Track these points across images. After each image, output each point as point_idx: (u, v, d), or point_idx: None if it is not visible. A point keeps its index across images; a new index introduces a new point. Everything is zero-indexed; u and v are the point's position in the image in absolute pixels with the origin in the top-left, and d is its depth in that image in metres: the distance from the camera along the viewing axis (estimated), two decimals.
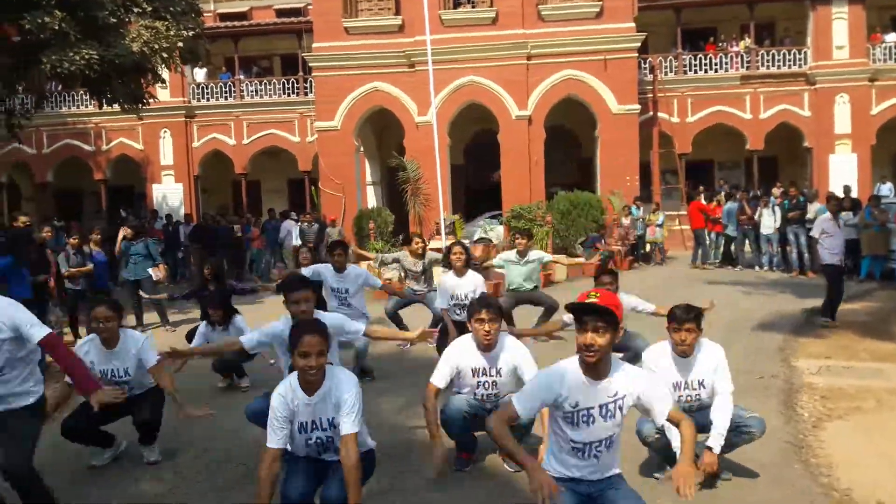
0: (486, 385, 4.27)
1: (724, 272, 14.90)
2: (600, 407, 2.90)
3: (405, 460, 4.53)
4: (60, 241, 10.66)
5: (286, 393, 3.34)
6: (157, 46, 11.53)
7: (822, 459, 4.44)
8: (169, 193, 22.79)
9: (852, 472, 4.21)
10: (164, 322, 10.22)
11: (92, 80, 11.84)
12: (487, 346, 4.21)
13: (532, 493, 2.61)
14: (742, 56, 20.86)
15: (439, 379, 4.24)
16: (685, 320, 3.99)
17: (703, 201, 16.60)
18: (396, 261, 8.61)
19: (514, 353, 4.26)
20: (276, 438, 3.29)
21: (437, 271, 8.35)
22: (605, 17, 18.13)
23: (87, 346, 4.67)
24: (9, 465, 3.48)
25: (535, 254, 8.37)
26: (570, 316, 3.96)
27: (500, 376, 4.25)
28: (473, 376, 4.26)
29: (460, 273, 6.92)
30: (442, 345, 5.89)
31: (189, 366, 5.90)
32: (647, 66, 20.51)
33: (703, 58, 20.92)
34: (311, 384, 3.30)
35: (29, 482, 3.52)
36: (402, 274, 8.63)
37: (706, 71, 20.86)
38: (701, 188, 18.56)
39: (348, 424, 3.28)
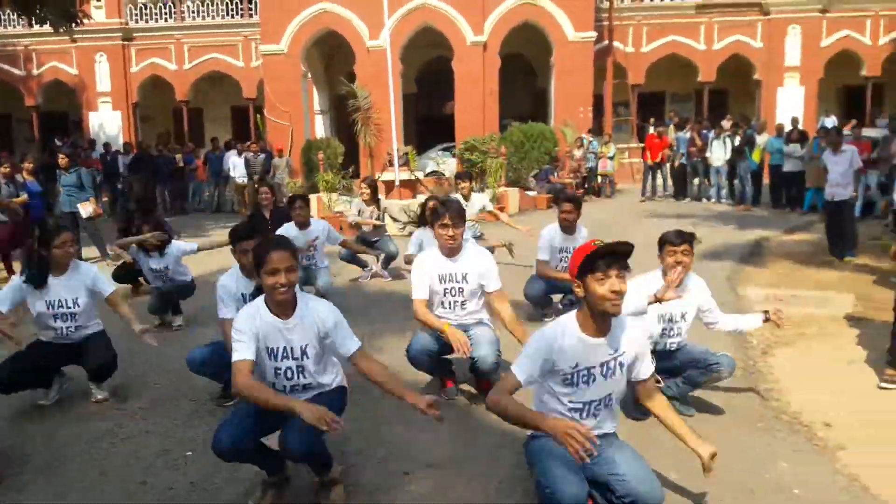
0: (453, 292, 4.25)
1: (672, 204, 15.07)
2: (601, 365, 2.79)
3: (377, 398, 4.40)
4: None
5: (252, 313, 3.06)
6: None
7: (772, 384, 4.55)
8: (106, 121, 21.76)
9: (800, 395, 4.32)
10: (104, 255, 9.83)
11: None
12: (451, 251, 4.20)
13: (574, 454, 2.43)
14: None
15: (420, 291, 4.21)
16: (682, 242, 3.97)
17: (655, 133, 16.60)
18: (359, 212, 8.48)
19: (479, 259, 4.27)
20: (244, 349, 2.96)
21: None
22: None
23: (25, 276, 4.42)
24: None
25: (478, 199, 8.51)
26: None
27: (466, 282, 4.24)
28: (440, 282, 4.23)
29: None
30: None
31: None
32: None
33: None
34: (282, 305, 3.02)
35: None
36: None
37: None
38: (652, 120, 18.58)
39: (352, 342, 3.10)
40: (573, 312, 2.82)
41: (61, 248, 4.38)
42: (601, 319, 2.72)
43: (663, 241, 4.05)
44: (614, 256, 2.64)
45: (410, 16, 17.90)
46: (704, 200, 15.08)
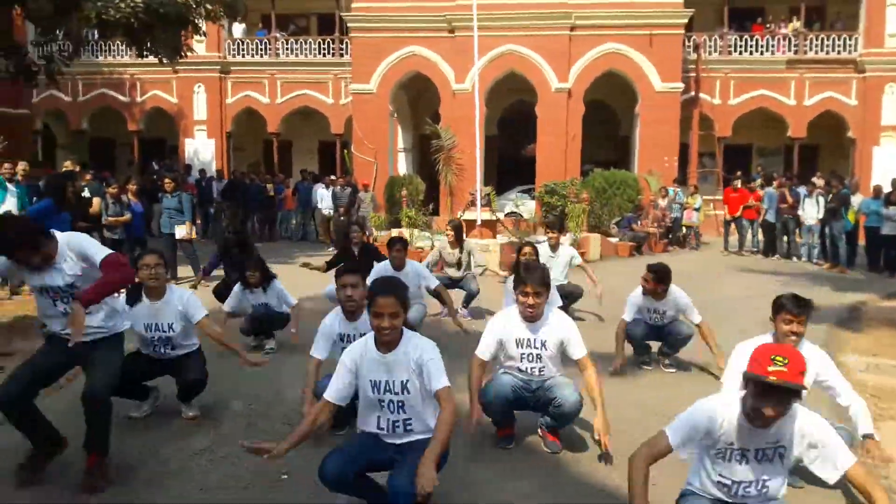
0: (531, 358, 4.17)
1: (760, 260, 14.62)
2: (756, 451, 2.73)
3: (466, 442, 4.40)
4: (99, 189, 10.64)
5: (359, 348, 3.27)
6: None
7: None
8: (201, 148, 22.80)
9: None
10: (198, 275, 10.19)
11: (133, 29, 11.74)
12: (531, 318, 4.11)
13: None
14: (790, 39, 20.26)
15: (484, 350, 4.17)
16: (801, 312, 3.77)
17: (740, 187, 16.21)
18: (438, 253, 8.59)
19: (560, 327, 4.15)
20: (332, 391, 3.22)
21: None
22: None
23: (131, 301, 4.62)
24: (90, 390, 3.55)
25: (566, 251, 8.31)
26: None
27: (546, 349, 4.14)
28: (517, 347, 4.16)
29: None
30: None
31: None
32: (691, 44, 20.02)
33: (749, 39, 20.36)
34: (386, 345, 3.20)
35: (104, 410, 3.63)
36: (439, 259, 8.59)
37: (752, 53, 20.31)
38: (738, 173, 18.20)
39: (440, 380, 3.14)
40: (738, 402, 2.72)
41: (144, 271, 4.54)
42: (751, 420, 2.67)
43: (780, 307, 3.84)
44: (775, 390, 2.55)
45: (497, 61, 18.20)
46: (794, 259, 14.57)
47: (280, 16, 22.83)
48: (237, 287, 6.63)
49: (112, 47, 22.78)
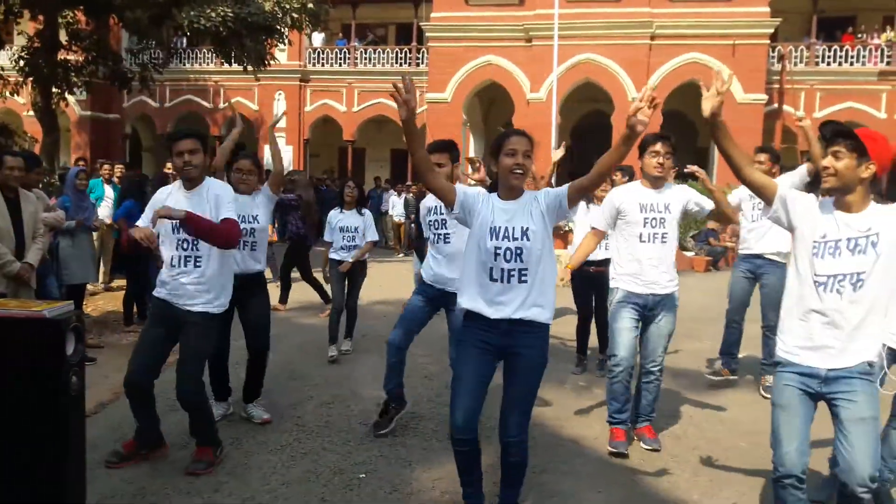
0: (654, 223, 4.18)
1: None
2: (848, 240, 2.70)
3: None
4: None
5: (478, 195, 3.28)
6: (287, 6, 11.75)
7: None
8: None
9: None
10: (275, 278, 10.38)
11: (223, 38, 12.20)
12: (657, 181, 4.20)
13: None
14: (882, 50, 19.38)
15: (600, 221, 4.38)
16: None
17: None
18: None
19: (684, 192, 4.29)
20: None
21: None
22: (737, 0, 17.22)
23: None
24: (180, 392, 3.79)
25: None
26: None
27: (670, 212, 4.18)
28: (641, 212, 4.18)
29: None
30: None
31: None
32: (775, 54, 19.41)
33: (838, 49, 19.59)
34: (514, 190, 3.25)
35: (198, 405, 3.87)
36: None
37: (840, 64, 19.51)
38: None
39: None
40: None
41: (237, 175, 4.88)
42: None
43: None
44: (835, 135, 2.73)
45: (573, 70, 18.07)
46: None
47: (360, 24, 23.32)
48: (333, 212, 6.68)
49: (199, 55, 23.71)
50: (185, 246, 3.78)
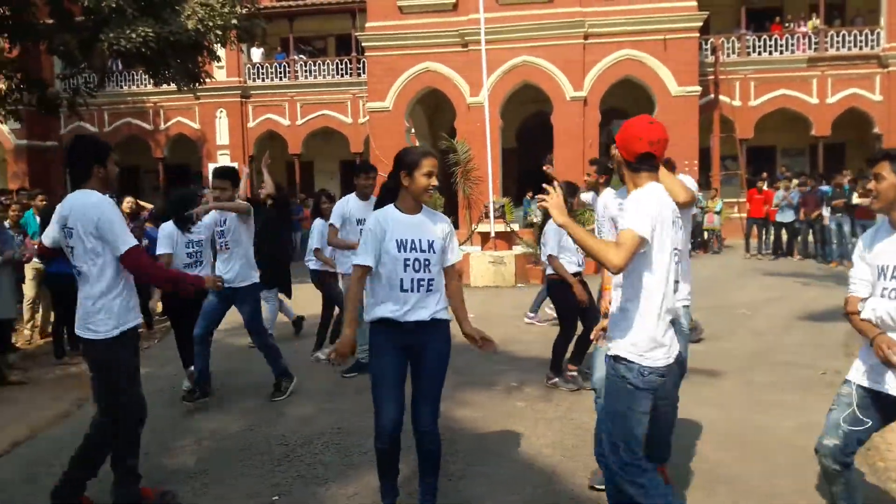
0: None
1: (782, 262, 14.35)
2: None
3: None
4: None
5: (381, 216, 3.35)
6: (211, 24, 11.59)
7: (890, 463, 4.16)
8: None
9: None
10: None
11: (148, 58, 11.97)
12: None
13: None
14: (810, 37, 19.97)
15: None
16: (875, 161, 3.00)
17: (766, 189, 15.97)
18: None
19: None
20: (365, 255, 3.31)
21: None
22: None
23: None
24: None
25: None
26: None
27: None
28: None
29: None
30: None
31: None
32: (708, 46, 19.84)
33: (767, 39, 20.11)
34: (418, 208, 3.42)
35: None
36: None
37: (771, 53, 20.06)
38: (764, 175, 17.91)
39: (456, 255, 3.44)
40: None
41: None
42: None
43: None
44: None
45: (511, 73, 18.20)
46: (818, 260, 14.26)
47: (298, 38, 23.18)
48: (317, 221, 7.31)
49: (135, 77, 23.30)
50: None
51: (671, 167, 6.33)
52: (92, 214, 3.36)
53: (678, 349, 2.89)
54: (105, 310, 3.42)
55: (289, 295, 8.32)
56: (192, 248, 5.63)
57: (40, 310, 8.62)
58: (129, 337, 3.51)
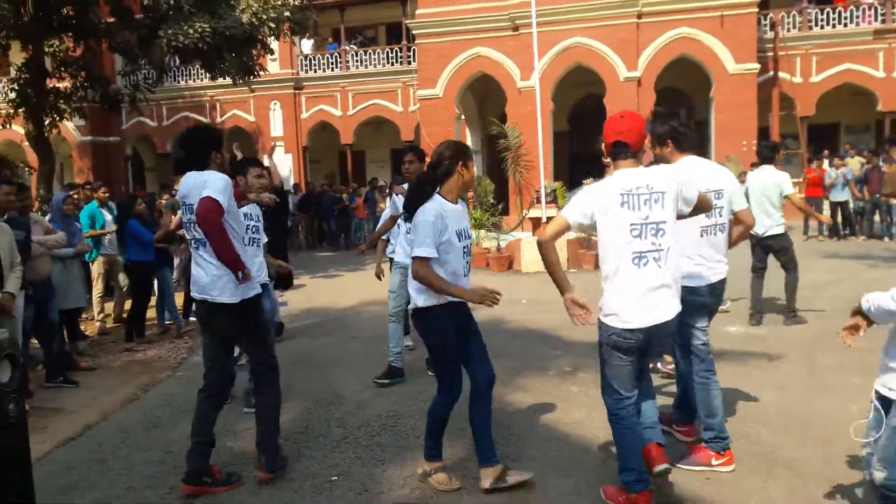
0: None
1: (844, 244, 13.84)
2: None
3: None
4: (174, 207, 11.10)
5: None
6: (265, 17, 11.79)
7: None
8: (279, 163, 23.54)
9: None
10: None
11: (204, 53, 12.27)
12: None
13: None
14: (876, 8, 19.08)
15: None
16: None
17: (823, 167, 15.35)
18: None
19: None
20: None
21: None
22: None
23: None
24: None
25: None
26: None
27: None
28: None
29: None
30: None
31: None
32: (767, 22, 19.19)
33: (830, 12, 19.32)
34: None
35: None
36: None
37: (834, 26, 19.27)
38: (826, 153, 17.30)
39: None
40: None
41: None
42: None
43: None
44: None
45: (563, 55, 17.99)
46: (886, 239, 13.72)
47: (349, 28, 23.35)
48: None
49: (192, 71, 23.87)
50: None
51: (774, 150, 6.59)
52: (200, 182, 3.58)
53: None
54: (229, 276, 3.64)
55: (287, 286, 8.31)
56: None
57: (115, 297, 9.05)
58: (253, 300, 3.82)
